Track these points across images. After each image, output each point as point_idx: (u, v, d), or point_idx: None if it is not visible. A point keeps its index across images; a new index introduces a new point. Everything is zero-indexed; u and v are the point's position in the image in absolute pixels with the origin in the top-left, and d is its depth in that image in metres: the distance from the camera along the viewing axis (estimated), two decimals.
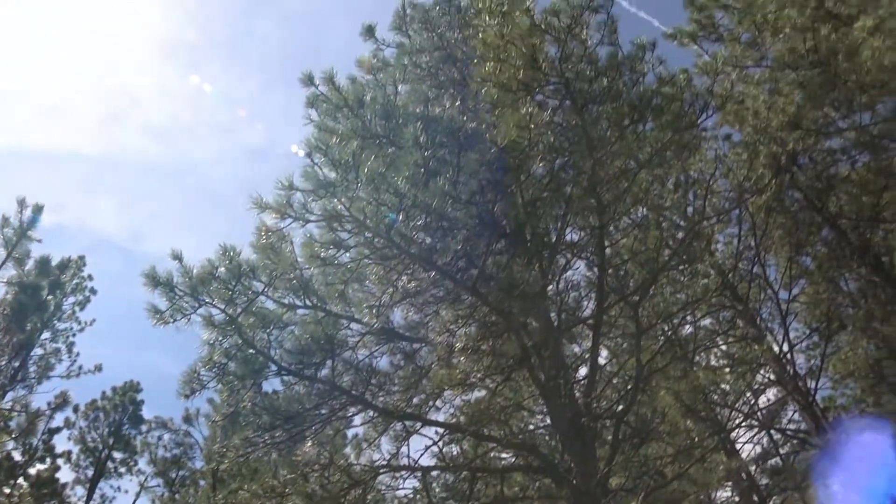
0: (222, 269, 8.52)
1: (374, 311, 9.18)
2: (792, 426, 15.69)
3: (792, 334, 14.72)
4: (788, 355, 14.32)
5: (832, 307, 14.89)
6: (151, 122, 47.14)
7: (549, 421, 9.98)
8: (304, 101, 9.51)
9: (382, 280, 8.34)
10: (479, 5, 8.71)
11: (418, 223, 7.33)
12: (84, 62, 43.28)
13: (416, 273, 8.12)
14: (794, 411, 15.37)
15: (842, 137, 11.74)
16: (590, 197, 7.61)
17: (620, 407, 9.42)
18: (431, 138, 7.70)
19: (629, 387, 9.39)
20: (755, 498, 14.90)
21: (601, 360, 10.99)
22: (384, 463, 9.94)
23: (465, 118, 7.70)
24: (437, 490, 11.44)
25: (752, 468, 15.71)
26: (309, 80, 9.12)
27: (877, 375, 15.65)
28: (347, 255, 8.38)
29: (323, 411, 9.85)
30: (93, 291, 20.62)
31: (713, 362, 14.05)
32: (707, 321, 12.74)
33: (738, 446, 14.99)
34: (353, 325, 9.92)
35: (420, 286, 8.31)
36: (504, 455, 11.64)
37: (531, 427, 12.24)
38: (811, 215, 13.28)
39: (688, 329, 11.06)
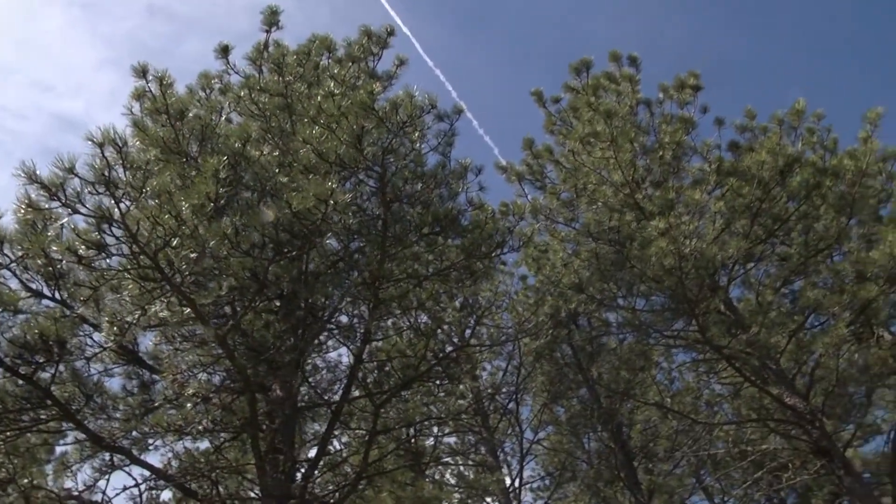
0: None
1: (119, 327, 8.54)
2: None
3: (527, 473, 15.54)
4: (518, 491, 14.98)
5: (569, 459, 15.94)
6: None
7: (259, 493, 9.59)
8: (131, 92, 9.09)
9: (137, 299, 7.77)
10: (335, 71, 8.83)
11: (190, 255, 6.97)
12: None
13: (172, 304, 7.66)
14: None
15: (617, 313, 12.84)
16: (368, 289, 7.66)
17: (336, 498, 9.28)
18: (237, 178, 7.51)
19: (350, 479, 9.31)
20: None
21: (337, 447, 10.89)
22: (74, 494, 9.07)
23: (277, 171, 7.59)
24: None
25: None
26: (142, 73, 8.68)
27: None
28: (109, 262, 7.78)
29: (25, 419, 8.88)
30: None
31: (445, 479, 14.35)
32: (452, 439, 13.12)
33: None
34: (97, 335, 9.19)
35: (172, 318, 7.84)
36: None
37: (249, 495, 11.72)
38: (575, 373, 14.31)
39: (430, 441, 11.25)
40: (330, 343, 9.30)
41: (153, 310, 7.92)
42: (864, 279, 10.73)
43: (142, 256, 7.08)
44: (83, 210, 7.29)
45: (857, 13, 48.18)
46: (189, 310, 7.43)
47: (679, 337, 12.79)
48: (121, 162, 7.00)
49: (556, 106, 13.00)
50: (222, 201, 6.87)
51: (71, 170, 7.01)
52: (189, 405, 8.03)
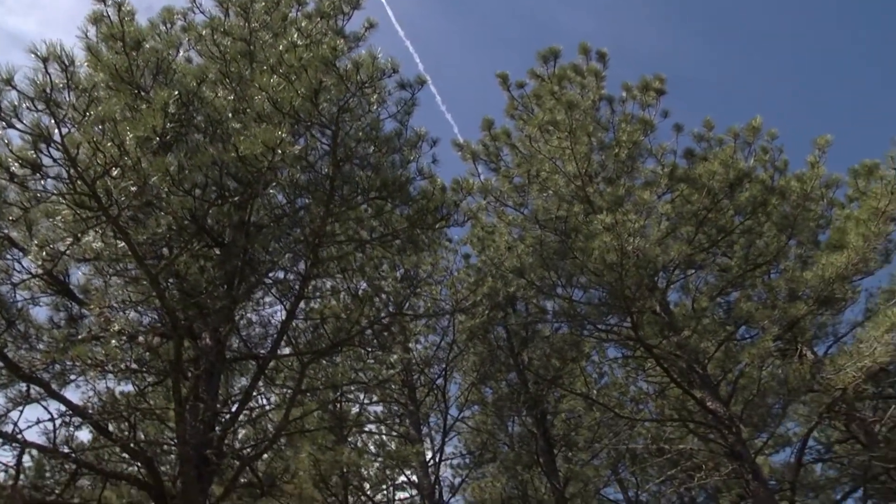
0: None
1: (50, 254, 8.28)
2: None
3: (448, 449, 15.71)
4: (437, 466, 15.12)
5: (491, 440, 16.20)
6: None
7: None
8: (87, 15, 8.76)
9: (70, 226, 7.53)
10: (302, 24, 8.67)
11: (130, 188, 6.78)
12: None
13: (106, 237, 7.47)
14: None
15: (555, 302, 13.02)
16: (308, 246, 7.58)
17: (254, 453, 9.24)
18: (188, 117, 7.34)
19: (270, 436, 9.27)
20: None
21: (262, 403, 10.82)
22: None
23: (230, 115, 7.45)
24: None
25: None
26: None
27: None
28: (44, 184, 7.52)
29: None
30: None
31: (368, 446, 14.42)
32: (378, 408, 13.19)
33: None
34: (26, 262, 8.91)
35: (106, 251, 7.64)
36: (124, 458, 10.84)
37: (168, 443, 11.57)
38: (506, 356, 14.49)
39: (355, 408, 11.27)
40: (267, 300, 9.21)
41: (87, 240, 7.72)
42: (796, 298, 11.10)
43: (79, 182, 6.85)
44: (19, 126, 7.01)
45: (831, 33, 49.45)
46: (123, 244, 7.25)
47: (612, 332, 13.03)
48: (66, 81, 6.76)
49: (520, 91, 12.98)
50: (169, 137, 6.71)
51: (8, 81, 6.73)
52: (114, 342, 7.84)
